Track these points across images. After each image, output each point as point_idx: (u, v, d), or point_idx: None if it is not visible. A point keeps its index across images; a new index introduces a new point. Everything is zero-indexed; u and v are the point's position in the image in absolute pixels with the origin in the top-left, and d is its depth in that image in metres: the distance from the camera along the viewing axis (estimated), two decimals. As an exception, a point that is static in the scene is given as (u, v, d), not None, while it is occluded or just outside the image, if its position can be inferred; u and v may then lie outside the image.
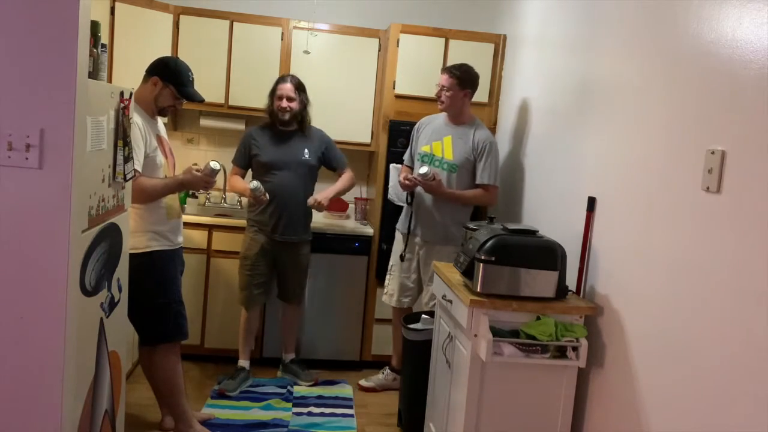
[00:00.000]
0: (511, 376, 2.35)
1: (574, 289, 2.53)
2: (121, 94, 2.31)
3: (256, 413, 3.30)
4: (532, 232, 2.47)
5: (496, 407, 2.37)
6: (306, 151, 3.58)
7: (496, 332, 2.30)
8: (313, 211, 3.63)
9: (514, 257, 2.34)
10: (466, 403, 2.35)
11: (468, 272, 2.44)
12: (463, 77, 3.32)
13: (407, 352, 3.20)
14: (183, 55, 3.72)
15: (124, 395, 2.61)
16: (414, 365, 3.10)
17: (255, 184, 3.38)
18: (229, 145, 4.18)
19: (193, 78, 2.87)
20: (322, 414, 3.37)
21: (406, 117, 3.78)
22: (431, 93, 3.46)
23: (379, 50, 4.01)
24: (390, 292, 3.59)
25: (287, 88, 3.51)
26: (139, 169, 2.60)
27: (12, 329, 1.85)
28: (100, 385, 2.25)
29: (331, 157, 3.67)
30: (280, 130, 3.58)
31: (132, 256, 2.58)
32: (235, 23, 3.90)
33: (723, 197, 1.75)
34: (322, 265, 3.86)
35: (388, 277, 3.62)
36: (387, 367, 3.79)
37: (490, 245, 2.34)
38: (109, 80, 3.54)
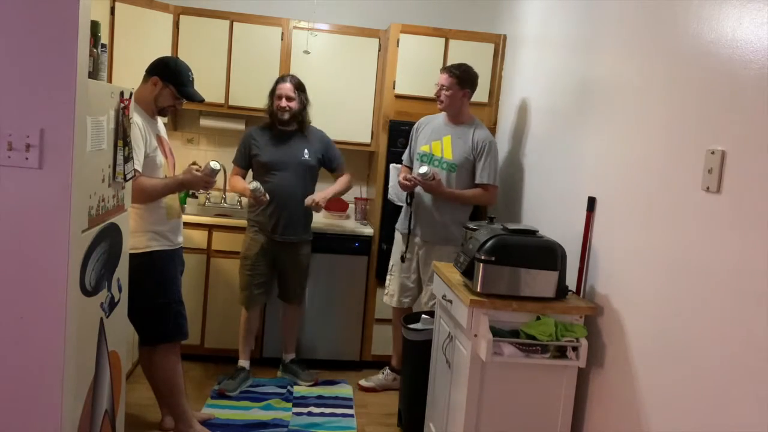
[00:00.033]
0: (511, 376, 2.35)
1: (574, 289, 2.53)
2: (121, 94, 2.31)
3: (256, 413, 3.30)
4: (532, 232, 2.47)
5: (496, 407, 2.37)
6: (306, 151, 3.58)
7: (496, 332, 2.30)
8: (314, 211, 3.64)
9: (514, 257, 2.34)
10: (466, 403, 2.35)
11: (468, 272, 2.44)
12: (462, 76, 3.32)
13: (407, 352, 3.20)
14: (183, 55, 3.72)
15: (124, 395, 2.61)
16: (414, 365, 3.10)
17: (255, 184, 3.38)
18: (229, 145, 4.18)
19: (193, 78, 2.87)
20: (322, 414, 3.37)
21: (406, 117, 3.78)
22: (431, 93, 3.46)
23: (379, 50, 4.01)
24: (391, 293, 3.59)
25: (287, 87, 3.51)
26: (139, 169, 2.60)
27: (12, 329, 1.85)
28: (100, 385, 2.25)
29: (330, 158, 3.67)
30: (280, 130, 3.58)
31: (132, 256, 2.58)
32: (235, 23, 3.90)
33: (723, 197, 1.75)
34: (322, 265, 3.86)
35: (388, 277, 3.62)
36: (387, 367, 3.79)
37: (490, 245, 2.34)
38: (109, 80, 3.54)
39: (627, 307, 2.22)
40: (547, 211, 3.01)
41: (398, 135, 3.79)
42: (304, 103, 3.56)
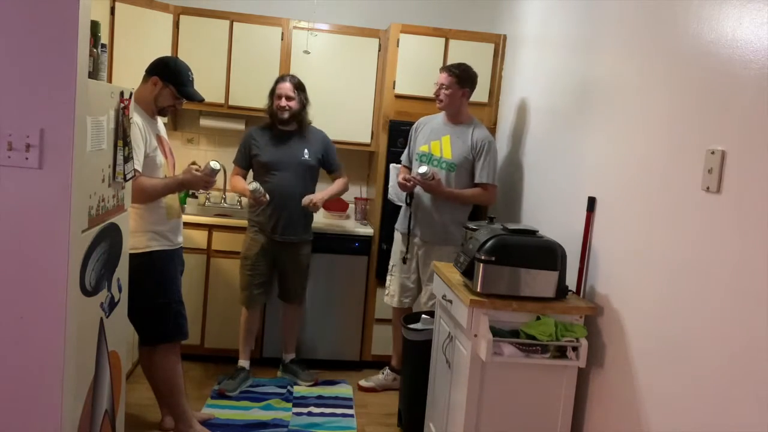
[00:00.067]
0: (511, 376, 2.35)
1: (574, 289, 2.53)
2: (121, 94, 2.31)
3: (256, 413, 3.30)
4: (532, 232, 2.47)
5: (496, 407, 2.37)
6: (306, 151, 3.58)
7: (496, 332, 2.30)
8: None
9: (514, 257, 2.34)
10: (466, 403, 2.35)
11: (468, 272, 2.44)
12: (462, 76, 3.32)
13: (407, 352, 3.20)
14: (183, 55, 3.72)
15: (124, 395, 2.61)
16: (414, 365, 3.10)
17: (254, 185, 3.39)
18: (229, 145, 4.18)
19: (192, 78, 2.87)
20: (322, 414, 3.37)
21: (406, 117, 3.78)
22: (431, 93, 3.46)
23: (379, 50, 4.01)
24: (392, 293, 3.59)
25: (286, 87, 3.52)
26: (139, 169, 2.60)
27: (12, 329, 1.85)
28: (100, 385, 2.25)
29: (329, 160, 3.67)
30: (280, 130, 3.58)
31: (132, 256, 2.58)
32: (235, 23, 3.90)
33: (723, 197, 1.75)
34: (322, 265, 3.86)
35: (389, 278, 3.62)
36: (387, 367, 3.79)
37: (490, 245, 2.34)
38: (109, 80, 3.54)
39: (627, 307, 2.22)
40: (547, 211, 3.01)
41: (398, 135, 3.79)
42: (303, 103, 3.57)
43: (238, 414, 3.27)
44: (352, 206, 4.28)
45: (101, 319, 2.24)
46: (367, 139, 4.08)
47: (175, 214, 2.88)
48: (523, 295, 2.35)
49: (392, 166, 3.72)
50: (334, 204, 4.14)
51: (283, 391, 3.57)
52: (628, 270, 2.22)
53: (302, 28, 3.92)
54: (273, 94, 3.56)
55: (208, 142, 4.32)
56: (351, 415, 3.39)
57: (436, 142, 3.41)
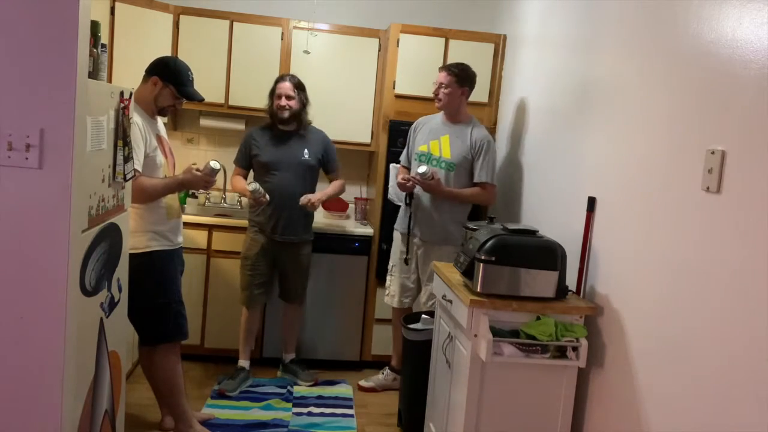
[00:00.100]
0: (511, 376, 2.35)
1: (574, 289, 2.53)
2: (121, 94, 2.31)
3: (256, 413, 3.30)
4: (532, 232, 2.47)
5: (496, 407, 2.37)
6: (306, 151, 3.58)
7: (496, 332, 2.30)
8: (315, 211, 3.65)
9: (514, 257, 2.34)
10: (466, 403, 2.35)
11: (468, 272, 2.44)
12: (461, 75, 3.33)
13: (407, 352, 3.20)
14: (183, 55, 3.72)
15: (124, 395, 2.61)
16: (414, 365, 3.10)
17: (254, 186, 3.39)
18: (229, 145, 4.18)
19: (192, 77, 2.87)
20: (322, 414, 3.37)
21: (406, 117, 3.78)
22: (431, 93, 3.46)
23: (379, 50, 4.01)
24: (392, 294, 3.59)
25: (286, 86, 3.52)
26: (139, 169, 2.60)
27: (12, 329, 1.85)
28: (100, 385, 2.25)
29: (328, 160, 3.68)
30: (280, 130, 3.58)
31: (132, 256, 2.58)
32: (235, 23, 3.90)
33: (723, 197, 1.75)
34: (322, 265, 3.86)
35: (389, 278, 3.62)
36: (387, 367, 3.79)
37: (490, 245, 2.34)
38: (109, 80, 3.54)
39: (627, 307, 2.22)
40: (547, 211, 3.01)
41: (398, 135, 3.79)
42: (303, 103, 3.57)
43: (238, 414, 3.27)
44: (352, 206, 4.28)
45: (101, 319, 2.24)
46: (367, 139, 4.08)
47: (175, 214, 2.88)
48: (523, 295, 2.35)
49: (392, 166, 3.72)
50: (334, 204, 4.14)
51: (283, 391, 3.57)
52: (628, 270, 2.22)
53: (302, 28, 3.92)
54: (273, 94, 3.56)
55: (208, 142, 4.32)
56: (351, 415, 3.39)
57: (435, 141, 3.41)
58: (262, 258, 3.57)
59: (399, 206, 3.58)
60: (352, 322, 3.95)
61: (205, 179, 2.82)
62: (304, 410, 3.38)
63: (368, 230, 3.93)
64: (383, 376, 3.76)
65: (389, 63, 3.81)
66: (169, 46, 3.86)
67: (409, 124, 3.64)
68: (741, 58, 1.71)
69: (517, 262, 2.34)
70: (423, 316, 3.13)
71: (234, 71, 3.94)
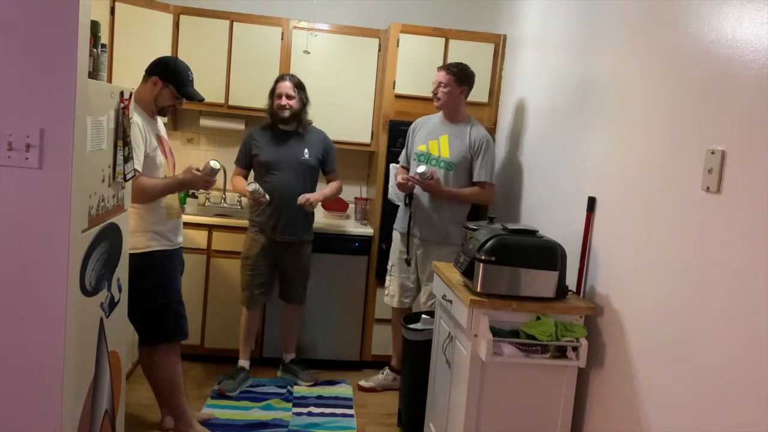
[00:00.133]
0: (511, 376, 2.35)
1: (574, 289, 2.53)
2: (121, 94, 2.31)
3: (256, 413, 3.30)
4: (532, 232, 2.47)
5: (496, 407, 2.37)
6: (306, 151, 3.58)
7: (496, 332, 2.30)
8: (315, 211, 3.64)
9: (514, 257, 2.34)
10: (466, 403, 2.35)
11: (468, 272, 2.44)
12: (460, 74, 3.33)
13: (407, 352, 3.20)
14: (183, 55, 3.72)
15: (124, 395, 2.61)
16: (414, 365, 3.10)
17: (254, 186, 3.39)
18: (229, 145, 4.18)
19: (192, 77, 2.87)
20: (322, 414, 3.37)
21: (406, 117, 3.78)
22: (431, 93, 3.46)
23: (379, 50, 4.01)
24: (392, 294, 3.59)
25: (286, 86, 3.52)
26: (139, 169, 2.60)
27: (12, 329, 1.84)
28: (100, 385, 2.25)
29: (328, 161, 3.68)
30: (280, 130, 3.58)
31: (132, 256, 2.58)
32: (235, 23, 3.90)
33: (723, 197, 1.75)
34: (322, 265, 3.86)
35: (388, 278, 3.62)
36: (387, 367, 3.79)
37: (490, 245, 2.34)
38: (109, 80, 3.54)
39: (627, 307, 2.22)
40: (547, 211, 3.01)
41: (398, 135, 3.79)
42: (304, 102, 3.57)
43: (238, 414, 3.27)
44: (352, 206, 4.28)
45: (101, 319, 2.24)
46: (367, 139, 4.08)
47: (175, 214, 2.88)
48: (523, 295, 2.35)
49: (392, 166, 3.72)
50: (334, 204, 4.14)
51: (283, 391, 3.57)
52: (628, 270, 2.22)
53: (302, 28, 3.92)
54: (273, 94, 3.56)
55: (208, 142, 4.32)
56: (351, 415, 3.39)
57: (434, 141, 3.41)
58: (262, 258, 3.57)
59: (399, 206, 3.59)
60: (352, 322, 3.95)
61: (205, 179, 2.82)
62: (304, 410, 3.38)
63: (368, 230, 3.93)
64: (383, 376, 3.76)
65: (389, 63, 3.81)
66: (169, 46, 3.86)
67: (409, 124, 3.64)
68: (741, 58, 1.71)
69: (517, 262, 2.33)
70: (423, 316, 3.13)
71: (234, 71, 3.94)
